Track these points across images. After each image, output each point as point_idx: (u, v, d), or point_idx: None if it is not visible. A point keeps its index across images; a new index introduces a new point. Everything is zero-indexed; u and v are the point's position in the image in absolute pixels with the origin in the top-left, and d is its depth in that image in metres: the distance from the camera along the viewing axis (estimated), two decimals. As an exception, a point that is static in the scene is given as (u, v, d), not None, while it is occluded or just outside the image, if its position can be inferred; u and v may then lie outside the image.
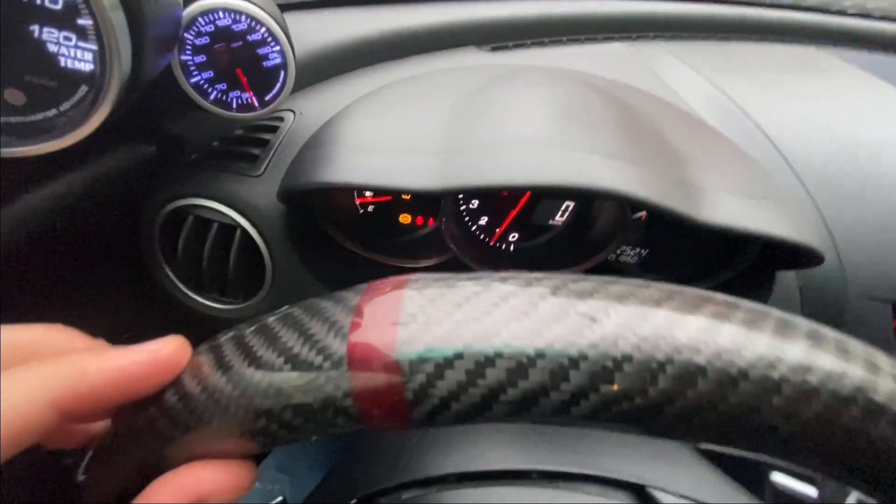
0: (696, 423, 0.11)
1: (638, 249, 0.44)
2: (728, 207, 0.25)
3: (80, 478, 0.17)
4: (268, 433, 0.14)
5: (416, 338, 0.13)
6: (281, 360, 0.14)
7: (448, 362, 0.12)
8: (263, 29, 0.32)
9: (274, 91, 0.34)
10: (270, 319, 0.15)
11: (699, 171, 0.27)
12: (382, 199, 0.46)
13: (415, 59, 0.54)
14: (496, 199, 0.44)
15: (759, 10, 0.59)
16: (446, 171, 0.27)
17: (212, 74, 0.33)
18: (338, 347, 0.13)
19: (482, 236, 0.47)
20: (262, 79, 0.34)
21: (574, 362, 0.12)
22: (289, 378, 0.13)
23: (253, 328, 0.15)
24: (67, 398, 0.14)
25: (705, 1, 0.60)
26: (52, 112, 0.22)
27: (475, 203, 0.45)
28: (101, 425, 0.19)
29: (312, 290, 0.41)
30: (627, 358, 0.12)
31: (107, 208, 0.39)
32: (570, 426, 0.13)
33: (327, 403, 0.13)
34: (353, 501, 0.27)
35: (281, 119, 0.43)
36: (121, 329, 0.47)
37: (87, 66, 0.21)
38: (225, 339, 0.16)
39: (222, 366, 0.14)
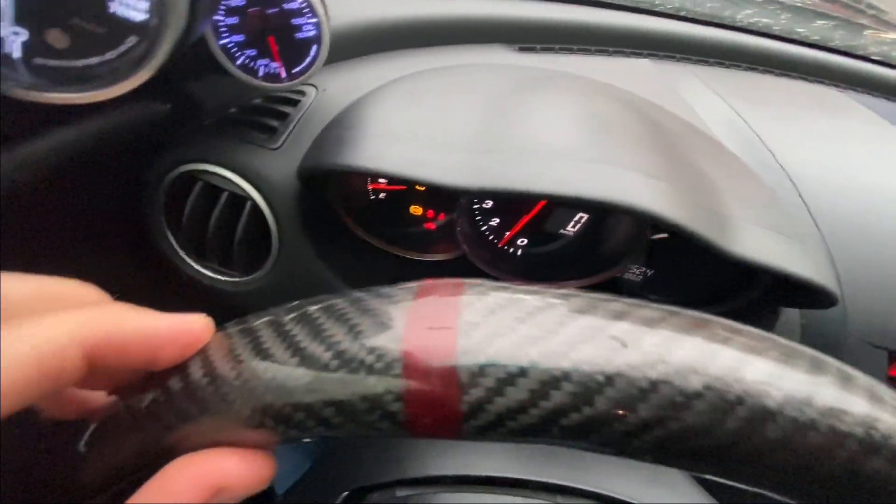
0: (763, 466, 0.11)
1: (644, 269, 0.44)
2: (756, 241, 0.25)
3: (82, 448, 0.16)
4: (303, 427, 0.13)
5: (477, 348, 0.12)
6: (328, 354, 0.13)
7: (510, 378, 0.12)
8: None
9: (303, 64, 0.33)
10: (312, 309, 0.15)
11: (727, 199, 0.27)
12: (396, 187, 0.45)
13: (441, 49, 0.53)
14: (511, 202, 0.44)
15: (783, 45, 0.59)
16: (481, 170, 0.27)
17: (242, 38, 0.32)
18: (392, 349, 0.13)
19: (491, 237, 0.46)
20: (293, 50, 0.33)
21: (643, 393, 0.11)
22: (335, 374, 0.13)
23: (292, 315, 0.15)
24: (100, 345, 0.14)
25: (733, 29, 0.60)
26: (96, 60, 0.20)
27: (489, 203, 0.45)
28: (98, 398, 0.18)
29: (316, 270, 0.41)
30: (697, 395, 0.11)
31: (113, 164, 0.38)
32: (626, 458, 0.12)
33: (375, 406, 0.12)
34: (345, 493, 0.27)
35: (302, 93, 0.41)
36: (110, 290, 0.45)
37: (140, 16, 0.20)
38: (261, 322, 0.15)
39: (260, 351, 0.14)
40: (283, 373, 0.13)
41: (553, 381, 0.12)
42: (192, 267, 0.40)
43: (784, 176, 0.40)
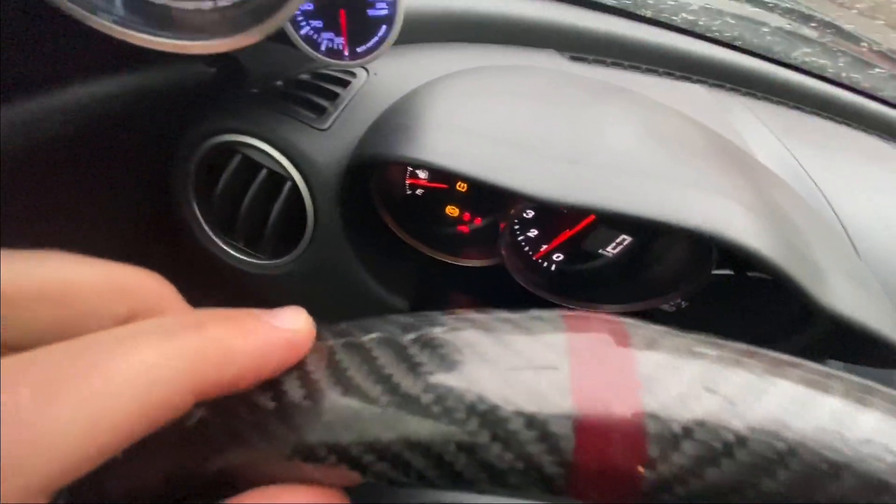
0: None
1: (679, 300, 0.43)
2: (848, 296, 0.24)
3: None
4: (417, 475, 0.11)
5: (670, 411, 0.10)
6: (468, 398, 0.11)
7: (715, 455, 0.10)
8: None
9: (370, 44, 0.31)
10: (438, 332, 0.12)
11: (812, 242, 0.26)
12: (436, 185, 0.43)
13: (494, 47, 0.51)
14: (554, 214, 0.42)
15: (836, 89, 0.58)
16: (573, 184, 0.25)
17: (311, 7, 0.29)
18: (558, 402, 0.11)
19: (526, 248, 0.45)
20: (362, 28, 0.30)
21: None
22: (470, 421, 0.11)
23: (412, 336, 0.12)
24: (211, 386, 0.11)
25: (786, 66, 0.59)
26: (208, 4, 0.18)
27: (530, 213, 0.43)
28: None
29: (345, 261, 0.38)
30: None
31: (146, 124, 0.35)
32: None
33: (529, 466, 0.10)
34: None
35: (353, 75, 0.39)
36: (123, 259, 0.43)
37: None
38: (373, 339, 0.13)
39: (380, 377, 0.12)
40: (405, 406, 0.11)
41: (772, 460, 0.10)
42: (217, 244, 0.38)
43: (840, 227, 0.39)
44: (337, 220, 0.36)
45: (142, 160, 0.38)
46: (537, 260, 0.45)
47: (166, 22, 0.18)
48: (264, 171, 0.35)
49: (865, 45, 0.60)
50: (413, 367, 0.12)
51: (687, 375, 0.11)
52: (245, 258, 0.38)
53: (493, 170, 0.26)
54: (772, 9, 0.62)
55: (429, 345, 0.12)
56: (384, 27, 0.31)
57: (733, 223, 0.23)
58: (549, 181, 0.25)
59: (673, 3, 0.57)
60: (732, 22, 0.58)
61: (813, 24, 0.66)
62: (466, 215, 0.45)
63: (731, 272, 0.34)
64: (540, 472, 0.10)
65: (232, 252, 0.38)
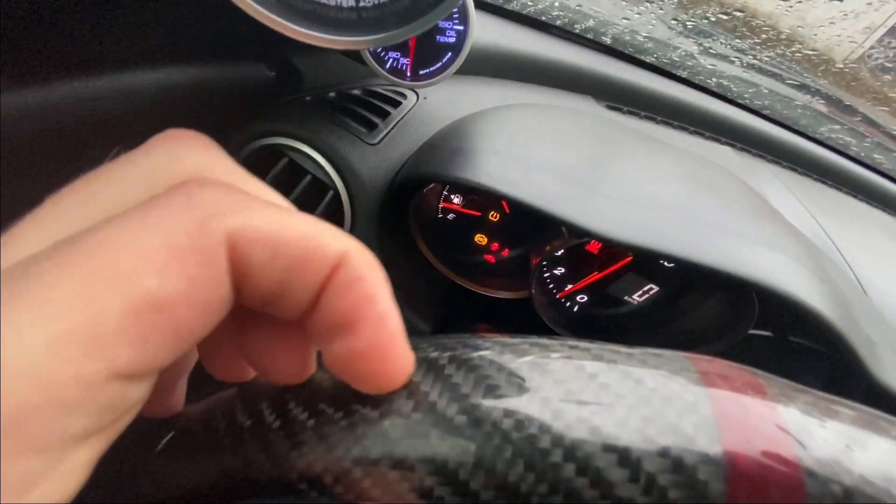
0: None
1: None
2: (893, 369, 0.24)
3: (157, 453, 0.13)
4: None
5: (828, 471, 0.10)
6: (619, 445, 0.10)
7: None
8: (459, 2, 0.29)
9: (433, 68, 0.32)
10: (555, 358, 0.12)
11: (860, 313, 0.26)
12: (469, 211, 0.43)
13: (537, 87, 0.52)
14: (585, 255, 0.42)
15: (858, 167, 0.60)
16: (636, 225, 0.25)
17: (383, 27, 0.30)
18: (706, 445, 0.10)
19: (551, 286, 0.44)
20: (429, 52, 0.31)
21: None
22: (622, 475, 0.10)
23: (525, 360, 0.12)
24: (246, 237, 0.10)
25: (812, 140, 0.61)
26: (350, 3, 0.18)
27: (560, 251, 0.43)
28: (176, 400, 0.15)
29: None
30: None
31: (199, 116, 0.35)
32: None
33: None
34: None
35: (404, 96, 0.40)
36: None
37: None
38: (479, 356, 0.12)
39: (489, 390, 0.11)
40: (525, 430, 0.11)
41: None
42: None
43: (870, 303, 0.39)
44: (372, 235, 0.36)
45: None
46: (560, 298, 0.45)
47: (311, 16, 0.19)
48: (308, 178, 0.35)
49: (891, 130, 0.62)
50: (526, 395, 0.11)
51: (834, 434, 0.10)
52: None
53: (553, 202, 0.26)
54: (813, 93, 0.64)
55: (542, 370, 0.12)
56: (450, 54, 0.31)
57: (799, 284, 0.23)
58: (610, 219, 0.25)
59: (710, 67, 0.59)
60: (765, 92, 0.60)
61: (844, 109, 0.68)
62: (495, 245, 0.45)
63: (770, 333, 0.34)
64: None
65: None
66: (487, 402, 0.11)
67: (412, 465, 0.11)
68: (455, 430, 0.11)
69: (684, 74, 0.60)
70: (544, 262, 0.43)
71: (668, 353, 0.12)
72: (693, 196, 0.27)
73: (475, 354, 0.12)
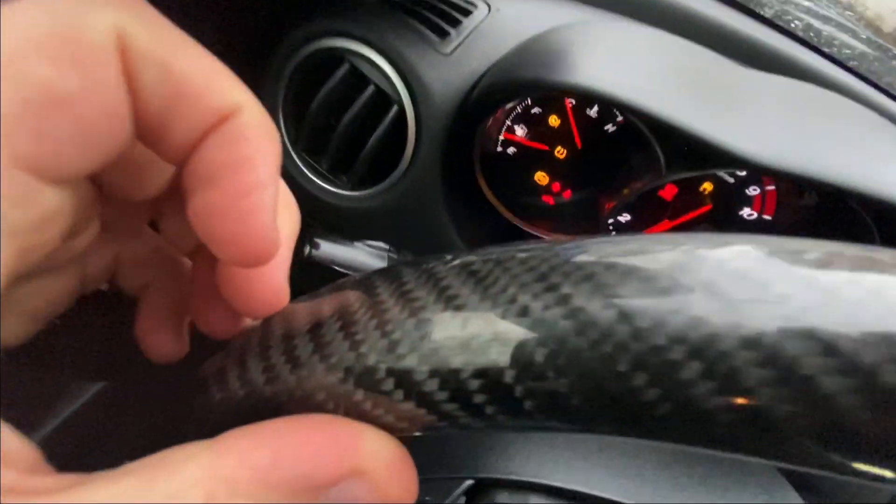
0: None
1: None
2: None
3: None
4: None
5: None
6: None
7: None
8: None
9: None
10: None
11: None
12: (535, 145, 0.40)
13: (609, 14, 0.47)
14: (658, 201, 0.39)
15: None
16: (793, 150, 0.21)
17: None
18: None
19: (613, 234, 0.41)
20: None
21: None
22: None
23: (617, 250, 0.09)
24: (136, 47, 0.09)
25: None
26: None
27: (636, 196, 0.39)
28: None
29: (434, 205, 0.35)
30: None
31: (244, 10, 0.31)
32: None
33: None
34: (469, 482, 0.22)
35: (474, 5, 0.35)
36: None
37: None
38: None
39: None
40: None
41: None
42: (298, 166, 0.34)
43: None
44: (436, 162, 0.33)
45: (230, 52, 0.34)
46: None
47: None
48: (371, 89, 0.31)
49: None
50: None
51: None
52: (327, 186, 0.34)
53: (689, 116, 0.22)
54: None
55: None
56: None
57: None
58: (758, 142, 0.22)
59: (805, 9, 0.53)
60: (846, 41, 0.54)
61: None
62: (556, 185, 0.42)
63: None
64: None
65: (313, 177, 0.34)
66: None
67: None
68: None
69: (770, 14, 0.54)
70: (618, 207, 0.39)
71: None
72: (837, 122, 0.24)
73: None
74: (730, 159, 0.22)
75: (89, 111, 0.09)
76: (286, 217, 0.14)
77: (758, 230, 0.38)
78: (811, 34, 0.54)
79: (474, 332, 0.09)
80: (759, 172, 0.21)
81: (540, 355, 0.09)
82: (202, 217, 0.11)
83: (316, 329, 0.11)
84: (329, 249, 0.24)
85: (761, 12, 0.54)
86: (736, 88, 0.27)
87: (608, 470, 0.23)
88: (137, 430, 0.21)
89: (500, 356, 0.09)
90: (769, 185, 0.36)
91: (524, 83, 0.26)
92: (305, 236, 0.25)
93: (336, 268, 0.23)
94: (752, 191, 0.37)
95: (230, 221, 0.11)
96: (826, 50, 0.55)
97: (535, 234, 0.41)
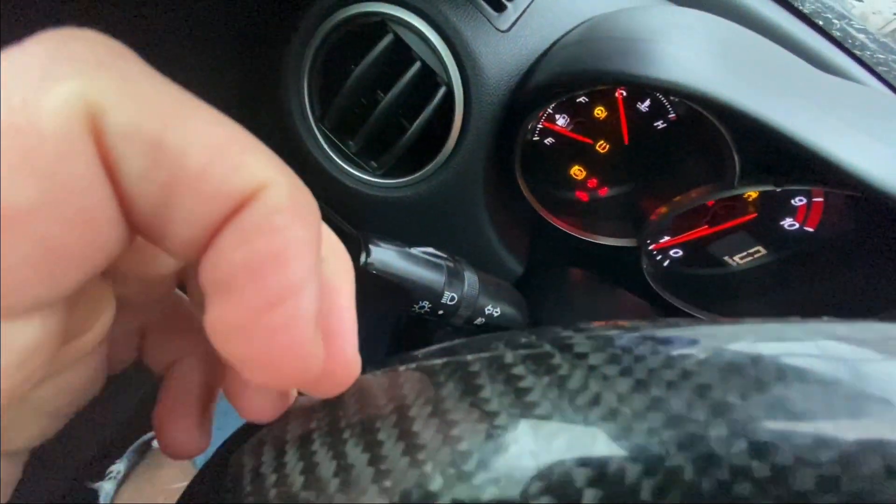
0: None
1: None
2: None
3: None
4: None
5: None
6: None
7: None
8: None
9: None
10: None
11: None
12: (577, 137, 0.37)
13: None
14: (698, 206, 0.37)
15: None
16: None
17: None
18: None
19: (647, 239, 0.39)
20: None
21: None
22: None
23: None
24: (114, 126, 0.07)
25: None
26: None
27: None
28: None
29: (473, 199, 0.32)
30: None
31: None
32: None
33: None
34: None
35: (528, -22, 0.31)
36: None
37: None
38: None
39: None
40: None
41: None
42: (324, 149, 0.30)
43: None
44: (481, 155, 0.30)
45: (249, 22, 0.29)
46: (653, 251, 0.40)
47: None
48: (416, 66, 0.27)
49: None
50: None
51: None
52: (353, 171, 0.30)
53: (797, 126, 0.20)
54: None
55: None
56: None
57: None
58: (869, 159, 0.19)
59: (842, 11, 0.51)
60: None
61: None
62: (593, 181, 0.39)
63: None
64: None
65: (338, 161, 0.30)
66: None
67: None
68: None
69: (807, 10, 0.52)
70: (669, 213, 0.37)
71: None
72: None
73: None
74: (840, 179, 0.20)
75: (56, 225, 0.07)
76: (341, 269, 0.11)
77: (796, 242, 0.37)
78: (848, 41, 0.53)
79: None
80: (877, 198, 0.19)
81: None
82: (221, 335, 0.08)
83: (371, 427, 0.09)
84: (385, 258, 0.21)
85: (801, 8, 0.52)
86: (823, 93, 0.24)
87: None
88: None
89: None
90: (817, 196, 0.34)
91: (604, 74, 0.23)
92: (359, 240, 0.21)
93: (390, 279, 0.20)
94: (798, 201, 0.35)
95: (256, 341, 0.08)
96: (859, 54, 0.53)
97: (565, 230, 0.39)
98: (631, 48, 0.23)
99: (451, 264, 0.23)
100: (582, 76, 0.24)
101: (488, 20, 0.27)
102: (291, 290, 0.08)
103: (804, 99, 0.23)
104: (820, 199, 0.35)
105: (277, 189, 0.08)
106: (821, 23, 0.48)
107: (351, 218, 0.33)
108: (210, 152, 0.07)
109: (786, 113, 0.21)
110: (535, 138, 0.38)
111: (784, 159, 0.22)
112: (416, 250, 0.22)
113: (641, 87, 0.26)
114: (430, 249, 0.23)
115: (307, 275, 0.08)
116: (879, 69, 0.53)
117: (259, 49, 0.29)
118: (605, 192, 0.39)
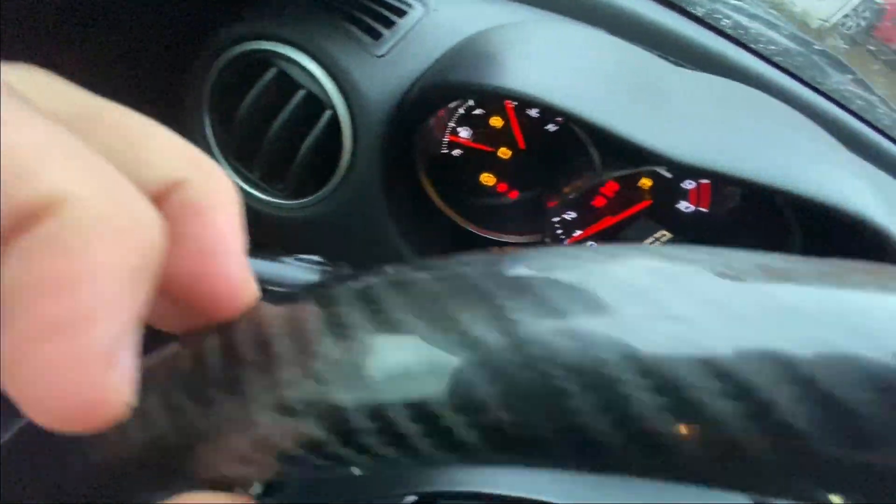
0: None
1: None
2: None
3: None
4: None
5: None
6: None
7: None
8: None
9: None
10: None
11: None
12: (479, 146, 0.39)
13: (549, 14, 0.47)
14: (598, 196, 0.39)
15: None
16: (715, 150, 0.22)
17: None
18: None
19: (559, 231, 0.42)
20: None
21: None
22: None
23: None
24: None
25: (821, 94, 0.59)
26: None
27: (574, 194, 0.40)
28: None
29: (376, 214, 0.34)
30: None
31: (165, 11, 0.29)
32: None
33: None
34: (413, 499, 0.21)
35: (410, 6, 0.35)
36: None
37: None
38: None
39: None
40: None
41: None
42: (230, 177, 0.32)
43: None
44: (375, 168, 0.32)
45: (151, 58, 0.31)
46: (568, 245, 0.42)
47: None
48: (302, 93, 0.30)
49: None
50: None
51: None
52: (260, 195, 0.33)
53: (619, 120, 0.22)
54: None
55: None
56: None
57: (873, 206, 0.21)
58: (683, 142, 0.22)
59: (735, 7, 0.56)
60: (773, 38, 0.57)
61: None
62: (502, 186, 0.41)
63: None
64: None
65: (245, 187, 0.32)
66: None
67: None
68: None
69: (700, 13, 0.56)
70: (560, 206, 0.40)
71: None
72: (762, 121, 0.24)
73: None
74: (655, 159, 0.22)
75: None
76: (210, 189, 0.11)
77: (695, 223, 0.39)
78: (740, 31, 0.57)
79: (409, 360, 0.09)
80: (683, 171, 0.21)
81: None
82: None
83: (231, 354, 0.10)
84: (253, 267, 0.22)
85: (693, 11, 0.56)
86: (666, 88, 0.27)
87: (553, 474, 0.23)
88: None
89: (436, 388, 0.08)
90: (703, 178, 0.37)
91: (456, 86, 0.26)
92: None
93: (265, 287, 0.22)
94: (688, 184, 0.38)
95: (26, 376, 0.07)
96: (753, 46, 0.58)
97: (484, 236, 0.41)
98: (481, 62, 0.26)
99: (328, 268, 0.25)
100: (440, 90, 0.26)
101: (365, 48, 0.30)
102: (74, 321, 0.07)
103: (642, 95, 0.26)
104: (706, 181, 0.37)
105: (82, 205, 0.07)
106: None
107: (267, 240, 0.35)
108: (11, 158, 0.07)
109: (612, 110, 0.23)
110: (443, 151, 0.40)
111: (623, 149, 0.25)
112: (288, 258, 0.24)
113: (492, 96, 0.29)
114: (308, 256, 0.25)
115: (102, 305, 0.07)
116: (776, 59, 0.57)
117: (157, 82, 0.31)
118: (515, 195, 0.42)
